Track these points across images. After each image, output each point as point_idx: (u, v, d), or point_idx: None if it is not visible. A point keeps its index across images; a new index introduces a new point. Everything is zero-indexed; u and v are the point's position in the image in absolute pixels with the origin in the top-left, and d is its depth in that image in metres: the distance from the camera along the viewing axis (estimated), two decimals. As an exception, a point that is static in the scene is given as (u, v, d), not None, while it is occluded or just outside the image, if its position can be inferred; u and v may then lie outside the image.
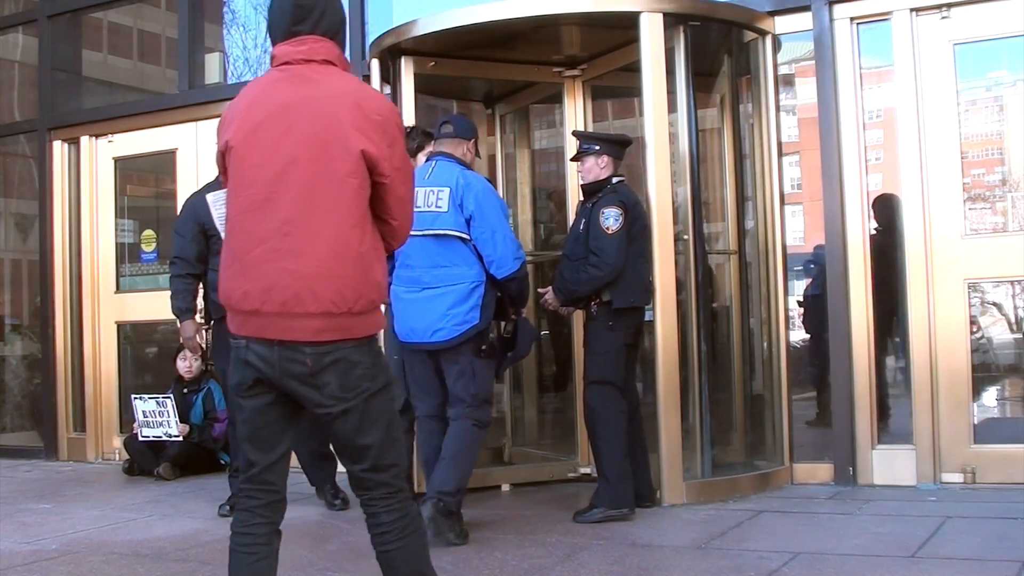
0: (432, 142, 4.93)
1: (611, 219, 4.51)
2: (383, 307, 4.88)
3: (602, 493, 4.50)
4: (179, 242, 4.95)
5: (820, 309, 5.42)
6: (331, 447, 4.96)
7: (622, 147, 4.78)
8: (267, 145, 2.39)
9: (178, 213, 5.25)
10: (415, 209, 4.29)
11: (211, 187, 4.93)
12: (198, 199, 4.96)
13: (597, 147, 4.70)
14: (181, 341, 5.30)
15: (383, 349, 4.67)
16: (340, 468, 5.96)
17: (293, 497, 4.94)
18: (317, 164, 2.35)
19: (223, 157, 2.50)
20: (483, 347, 4.29)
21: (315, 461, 4.93)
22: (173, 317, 6.62)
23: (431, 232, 4.28)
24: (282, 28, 2.49)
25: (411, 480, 5.13)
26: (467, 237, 4.27)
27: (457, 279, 4.26)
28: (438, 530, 4.07)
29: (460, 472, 4.25)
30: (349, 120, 2.36)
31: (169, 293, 5.02)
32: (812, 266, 5.54)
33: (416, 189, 4.35)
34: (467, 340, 4.25)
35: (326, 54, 2.47)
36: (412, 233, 4.26)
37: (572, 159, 4.93)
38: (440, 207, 4.28)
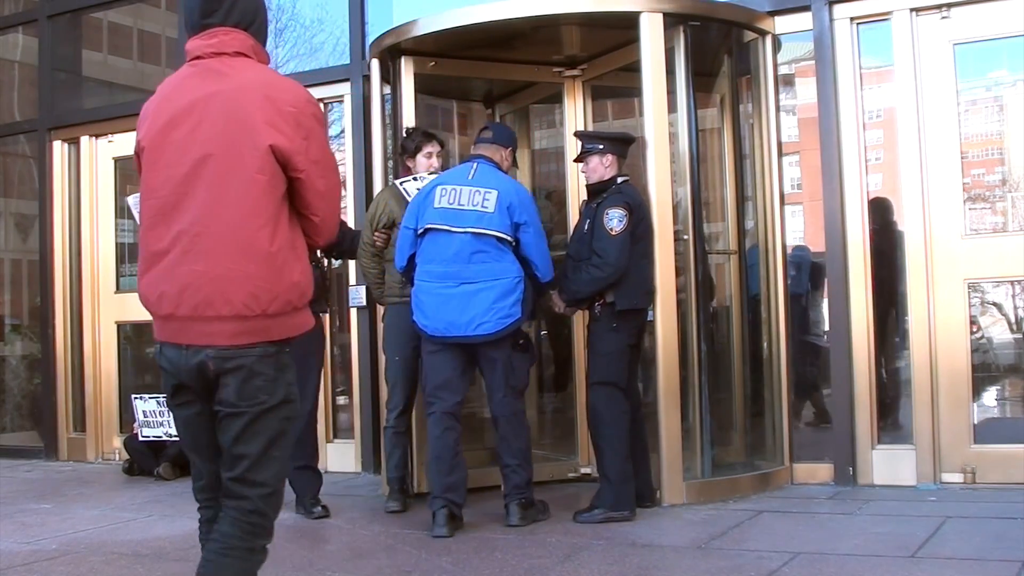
0: (430, 142, 5.02)
1: (615, 220, 4.48)
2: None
3: (604, 494, 4.50)
4: None
5: (801, 309, 5.42)
6: (316, 461, 4.99)
7: (626, 145, 4.76)
8: (177, 144, 2.31)
9: None
10: (456, 207, 4.42)
11: None
12: None
13: (601, 146, 4.66)
14: None
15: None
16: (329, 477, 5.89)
17: (288, 504, 4.95)
18: (225, 161, 2.26)
19: (137, 158, 2.44)
20: (520, 340, 4.50)
21: (300, 472, 4.90)
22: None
23: (472, 230, 4.40)
24: (193, 22, 2.42)
25: (411, 480, 5.15)
26: (509, 239, 4.42)
27: (501, 274, 4.39)
28: (530, 519, 4.46)
29: (529, 468, 4.53)
30: (259, 114, 2.26)
31: None
32: (792, 272, 5.52)
33: (458, 188, 4.46)
34: (509, 334, 4.41)
35: (238, 46, 2.38)
36: (451, 229, 4.42)
37: (575, 160, 4.89)
38: (487, 207, 4.41)
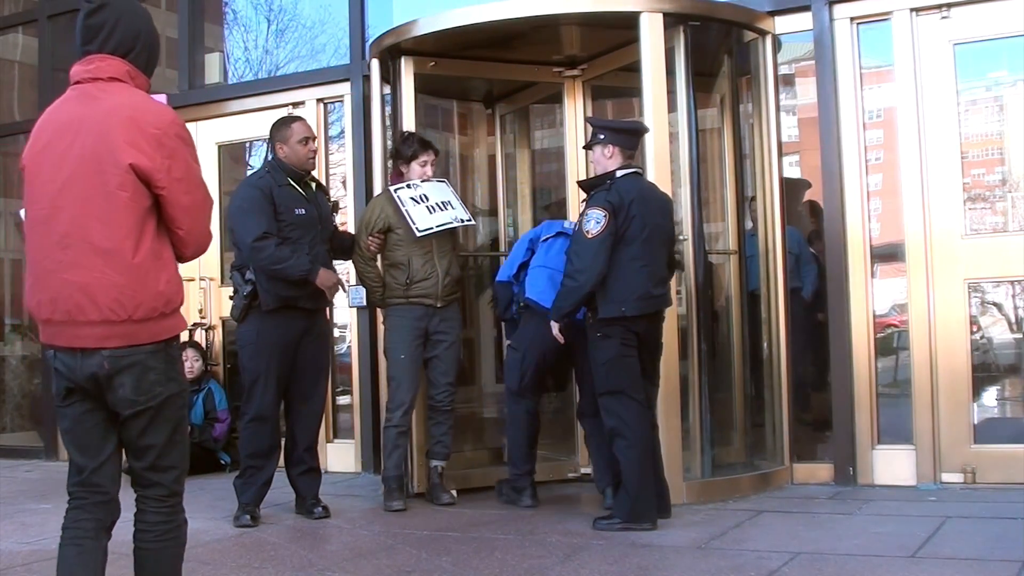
0: (426, 151, 5.03)
1: (591, 222, 4.20)
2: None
3: (620, 503, 4.31)
4: (262, 220, 4.64)
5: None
6: (316, 461, 4.98)
7: (631, 136, 4.51)
8: (52, 163, 2.52)
9: (240, 196, 4.83)
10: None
11: (261, 173, 4.85)
12: (262, 180, 4.78)
13: (603, 136, 4.42)
14: (328, 288, 4.76)
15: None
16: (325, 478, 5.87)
17: (288, 504, 4.96)
18: (91, 179, 2.46)
19: (23, 173, 2.64)
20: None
21: (303, 475, 4.92)
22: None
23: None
24: (78, 48, 2.63)
25: (411, 479, 5.15)
26: None
27: None
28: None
29: None
30: (122, 135, 2.45)
31: (279, 267, 4.63)
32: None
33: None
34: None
35: (112, 71, 2.57)
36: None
37: (584, 147, 4.75)
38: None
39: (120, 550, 4.29)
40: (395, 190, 5.02)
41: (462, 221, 5.02)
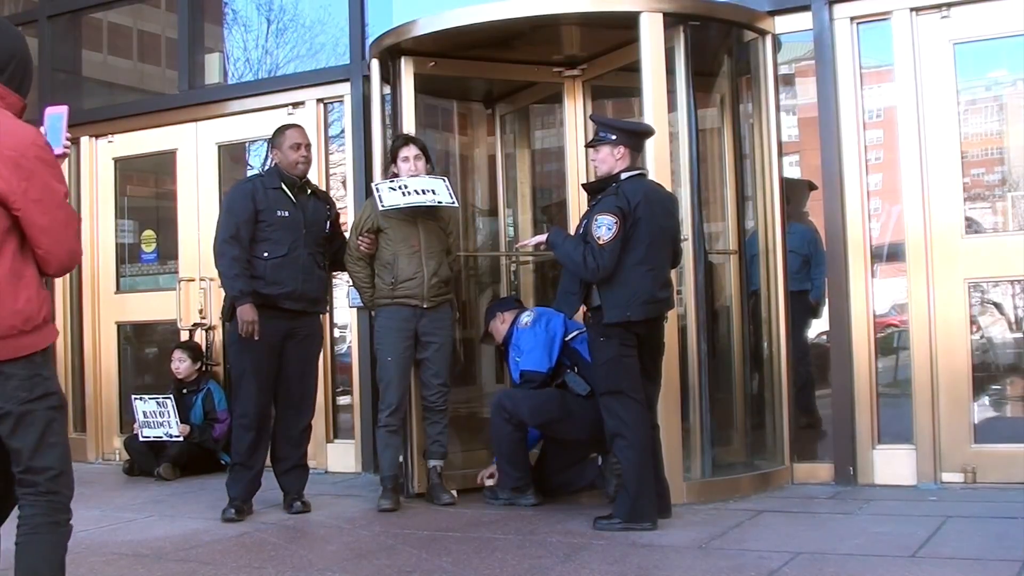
0: (406, 146, 5.03)
1: (603, 228, 4.14)
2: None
3: (620, 504, 4.29)
4: (232, 223, 4.81)
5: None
6: (305, 458, 5.03)
7: (641, 138, 4.47)
8: None
9: (227, 196, 5.09)
10: None
11: (253, 176, 5.00)
12: (249, 182, 4.99)
13: (613, 136, 4.33)
14: (243, 327, 4.70)
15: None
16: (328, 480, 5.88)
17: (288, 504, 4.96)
18: None
19: None
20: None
21: (289, 470, 4.97)
22: (172, 318, 6.67)
23: None
24: None
25: (411, 479, 5.15)
26: None
27: None
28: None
29: None
30: None
31: (222, 275, 4.84)
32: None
33: None
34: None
35: None
36: None
37: (587, 145, 4.64)
38: None
39: (121, 551, 4.31)
40: (375, 185, 5.04)
41: (438, 202, 4.92)
